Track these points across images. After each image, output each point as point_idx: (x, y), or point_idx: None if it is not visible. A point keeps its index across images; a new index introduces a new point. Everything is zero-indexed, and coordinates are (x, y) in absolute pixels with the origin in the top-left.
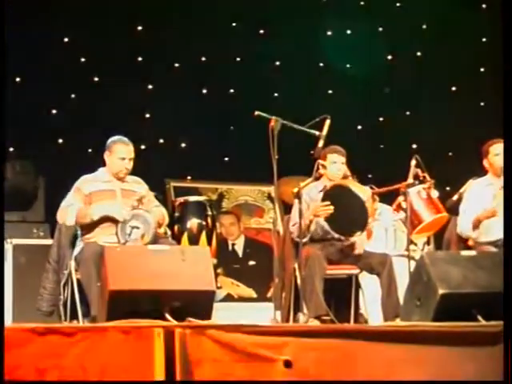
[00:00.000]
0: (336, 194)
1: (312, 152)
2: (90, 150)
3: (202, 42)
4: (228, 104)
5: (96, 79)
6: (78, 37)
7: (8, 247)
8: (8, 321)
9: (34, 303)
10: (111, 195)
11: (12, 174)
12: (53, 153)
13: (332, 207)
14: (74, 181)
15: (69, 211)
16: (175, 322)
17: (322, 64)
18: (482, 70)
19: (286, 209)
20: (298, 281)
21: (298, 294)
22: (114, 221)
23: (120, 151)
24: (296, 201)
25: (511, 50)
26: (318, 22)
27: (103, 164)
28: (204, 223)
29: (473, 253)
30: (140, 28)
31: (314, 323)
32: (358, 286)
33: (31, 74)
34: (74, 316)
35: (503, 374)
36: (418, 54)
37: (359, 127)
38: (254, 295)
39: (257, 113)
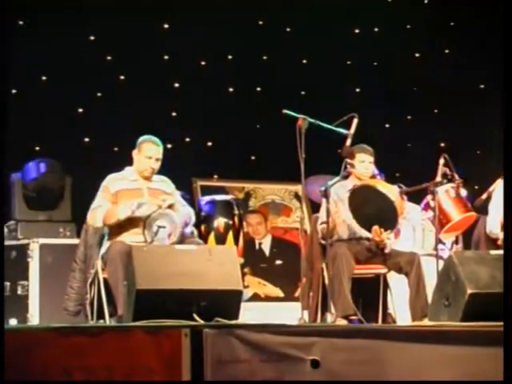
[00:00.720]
0: (363, 194)
1: (340, 151)
2: (116, 149)
3: (229, 40)
4: (255, 102)
5: (122, 77)
6: (104, 35)
7: (35, 247)
8: (35, 321)
9: (60, 303)
10: (138, 194)
11: (39, 173)
12: (79, 152)
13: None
14: (101, 180)
15: (97, 213)
16: (202, 322)
17: (349, 62)
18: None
19: (314, 208)
20: (326, 280)
21: (325, 293)
22: (141, 220)
23: (148, 150)
24: (323, 200)
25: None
26: (345, 19)
27: (130, 163)
28: (231, 222)
29: (502, 252)
30: (166, 26)
31: (342, 323)
32: (386, 285)
33: (57, 73)
34: (100, 316)
35: (503, 373)
36: (446, 51)
37: (387, 125)
38: (281, 295)
39: (284, 111)
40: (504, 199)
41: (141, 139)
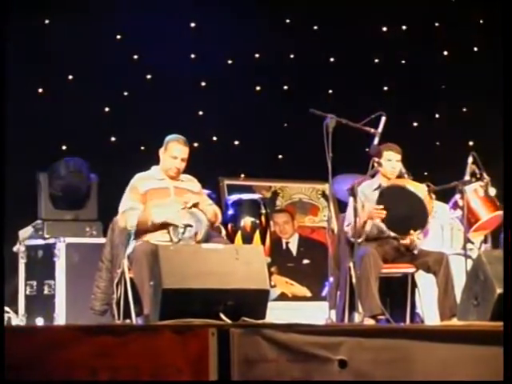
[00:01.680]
0: (392, 194)
1: (367, 149)
2: (142, 148)
3: (256, 39)
4: (282, 101)
5: (149, 77)
6: (130, 34)
7: (61, 246)
8: (61, 320)
9: (87, 302)
10: (165, 193)
11: (65, 172)
12: (106, 151)
13: (385, 212)
14: (127, 179)
15: (130, 216)
16: (229, 322)
17: (377, 60)
18: None
19: (341, 207)
20: (353, 280)
21: (353, 293)
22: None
23: (174, 150)
24: (351, 199)
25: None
26: (372, 17)
27: (157, 162)
28: (258, 222)
29: None
30: (193, 25)
31: (370, 323)
32: (414, 285)
33: (84, 72)
34: (127, 315)
35: (503, 373)
36: (475, 49)
37: (415, 124)
38: (309, 294)
39: (311, 110)
40: (504, 199)
41: (168, 138)
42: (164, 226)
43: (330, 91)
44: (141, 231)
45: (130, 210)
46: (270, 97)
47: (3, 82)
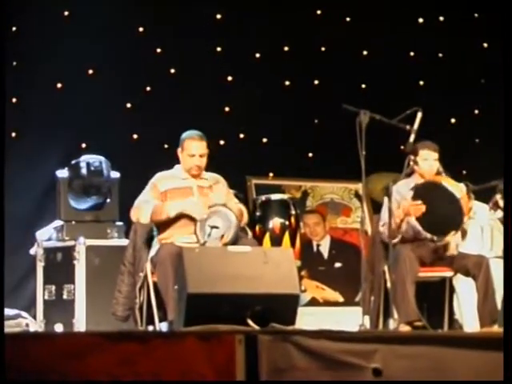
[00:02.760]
0: (428, 192)
1: (402, 147)
2: (166, 146)
3: (285, 31)
4: (312, 96)
5: (172, 71)
6: (153, 26)
7: (81, 248)
8: (81, 326)
9: (108, 307)
10: (187, 193)
11: (86, 171)
12: (127, 149)
13: (424, 206)
14: (150, 178)
15: (143, 208)
16: (257, 328)
17: (412, 53)
18: None
19: (375, 207)
20: (388, 284)
21: (387, 298)
22: (192, 219)
23: (191, 147)
24: (385, 199)
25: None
26: (408, 8)
27: (179, 160)
28: (287, 223)
29: None
30: (219, 16)
31: (405, 329)
32: (453, 289)
33: (105, 66)
34: (150, 321)
35: (503, 374)
36: None
37: (453, 120)
38: (341, 299)
39: (343, 105)
40: (504, 199)
41: (183, 136)
42: (184, 221)
43: (364, 86)
44: (163, 231)
45: (143, 203)
46: (299, 92)
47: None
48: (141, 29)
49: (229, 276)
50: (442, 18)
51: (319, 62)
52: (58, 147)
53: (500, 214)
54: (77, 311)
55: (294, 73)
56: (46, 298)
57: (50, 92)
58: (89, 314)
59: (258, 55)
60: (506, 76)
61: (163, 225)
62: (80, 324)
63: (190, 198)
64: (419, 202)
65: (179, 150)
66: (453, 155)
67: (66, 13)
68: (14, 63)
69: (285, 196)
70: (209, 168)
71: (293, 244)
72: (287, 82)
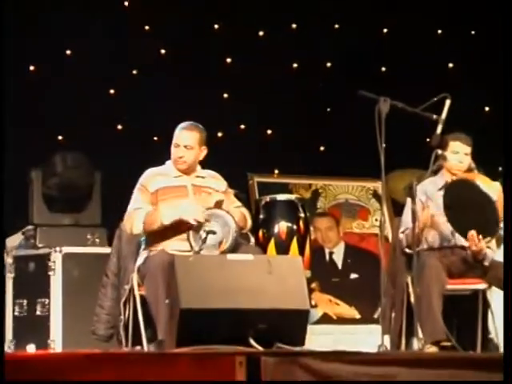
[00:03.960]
0: (460, 192)
1: (428, 140)
2: (155, 138)
3: (292, 6)
4: (324, 81)
5: (163, 51)
6: (142, 2)
7: (57, 256)
8: (58, 347)
9: (88, 325)
10: (181, 192)
11: (62, 168)
12: (111, 142)
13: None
14: (137, 176)
15: (136, 217)
16: (261, 349)
17: (440, 31)
18: None
19: (397, 209)
20: (412, 298)
21: (411, 314)
22: (187, 225)
23: (176, 137)
24: (408, 200)
25: None
26: None
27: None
28: (295, 227)
29: None
30: None
31: (432, 350)
32: (487, 304)
33: (85, 46)
34: (137, 341)
35: (503, 374)
36: None
37: (486, 109)
38: (357, 316)
39: (360, 92)
40: (504, 198)
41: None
42: (177, 226)
43: (384, 69)
44: (152, 237)
45: (136, 211)
46: (309, 76)
47: None
48: (126, 3)
49: (228, 289)
50: None
51: (332, 40)
52: (29, 141)
53: None
54: (52, 329)
55: (303, 54)
56: (17, 314)
57: (21, 75)
58: (66, 333)
59: (261, 33)
60: (506, 76)
61: (156, 232)
62: (56, 344)
63: (184, 200)
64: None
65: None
66: (487, 149)
67: None
68: None
69: (292, 196)
70: (205, 164)
71: (301, 252)
72: (295, 64)
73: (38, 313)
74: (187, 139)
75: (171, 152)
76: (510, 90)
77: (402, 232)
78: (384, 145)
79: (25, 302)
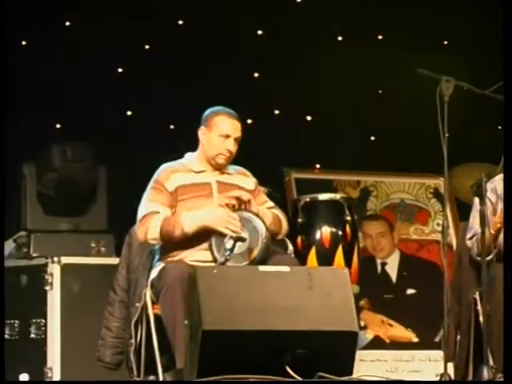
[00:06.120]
0: None
1: (500, 127)
2: (172, 127)
3: None
4: (374, 56)
5: (180, 22)
6: None
7: (54, 268)
8: (55, 376)
9: (92, 351)
10: (204, 191)
11: (61, 162)
12: (118, 132)
13: None
14: (150, 172)
15: (151, 222)
16: (299, 379)
17: None
18: None
19: (462, 212)
20: (481, 318)
21: (480, 337)
22: (209, 230)
23: (223, 126)
24: (476, 200)
25: None
26: None
27: (192, 147)
28: (340, 233)
29: None
30: None
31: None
32: None
33: (87, 16)
34: (150, 369)
35: (504, 374)
36: None
37: None
38: (415, 339)
39: (418, 70)
40: (504, 199)
41: (210, 112)
42: (201, 235)
43: (446, 42)
44: (169, 246)
45: (152, 215)
46: (355, 50)
47: None
48: None
49: (259, 307)
50: None
51: (382, 9)
52: (21, 129)
53: None
54: (49, 356)
55: (348, 24)
56: (7, 337)
57: (12, 50)
58: (66, 360)
59: (299, 0)
60: (506, 75)
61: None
62: (54, 373)
63: (209, 203)
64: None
65: (203, 129)
66: None
67: None
68: None
69: (337, 196)
70: (233, 158)
71: (348, 262)
72: (340, 38)
73: (32, 336)
74: (238, 130)
75: (210, 143)
76: (510, 89)
77: (470, 238)
78: (447, 134)
79: (16, 322)
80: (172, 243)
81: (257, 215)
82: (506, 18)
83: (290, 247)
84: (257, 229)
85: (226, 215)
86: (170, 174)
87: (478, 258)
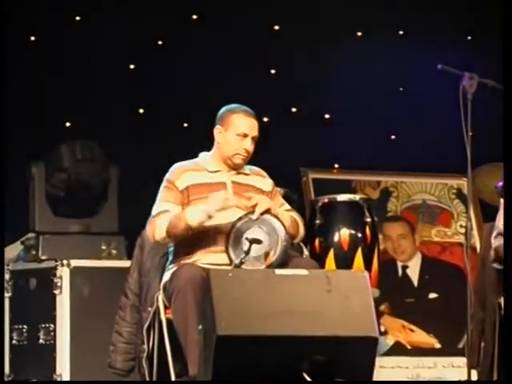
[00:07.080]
0: None
1: None
2: (185, 125)
3: None
4: (395, 53)
5: (194, 17)
6: None
7: (64, 271)
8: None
9: (102, 356)
10: (218, 191)
11: (70, 162)
12: (130, 130)
13: None
14: (163, 172)
15: (159, 221)
16: None
17: None
18: None
19: (486, 213)
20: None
21: (504, 343)
22: (223, 231)
23: (240, 124)
24: (502, 201)
25: None
26: None
27: (207, 146)
28: (360, 235)
29: None
30: None
31: None
32: None
33: (97, 10)
34: (163, 376)
35: (504, 374)
36: None
37: None
38: (437, 345)
39: (440, 66)
40: (504, 199)
41: (226, 110)
42: (212, 233)
43: (469, 37)
44: (182, 248)
45: (162, 214)
46: (377, 45)
47: None
48: None
49: (276, 311)
50: None
51: (404, 1)
52: (31, 128)
53: None
54: (59, 362)
55: (371, 17)
56: (15, 342)
57: (20, 46)
58: (75, 366)
59: None
60: (506, 75)
61: (182, 238)
62: (63, 379)
63: (218, 193)
64: None
65: (219, 128)
66: None
67: None
68: None
69: (356, 197)
70: (250, 158)
71: (368, 265)
72: (359, 33)
73: (40, 341)
74: (255, 129)
75: (226, 142)
76: (510, 89)
77: (495, 237)
78: (470, 133)
79: (25, 327)
80: (183, 243)
81: (276, 217)
82: (506, 18)
83: (306, 252)
84: (276, 231)
85: (235, 211)
86: (182, 172)
87: (501, 265)
